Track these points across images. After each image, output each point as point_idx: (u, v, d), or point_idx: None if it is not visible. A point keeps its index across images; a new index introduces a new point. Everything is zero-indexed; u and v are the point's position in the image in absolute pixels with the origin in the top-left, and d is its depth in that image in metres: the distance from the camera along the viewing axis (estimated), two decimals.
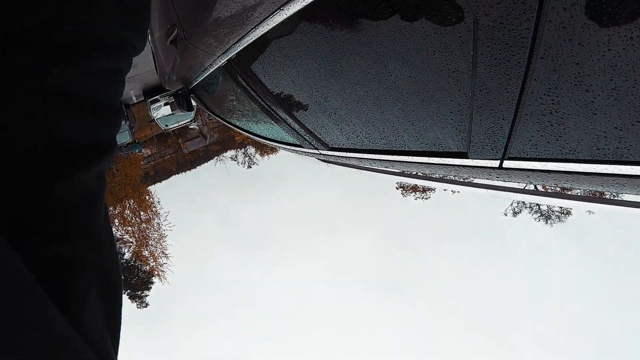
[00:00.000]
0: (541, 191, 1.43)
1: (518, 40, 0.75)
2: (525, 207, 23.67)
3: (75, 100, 0.47)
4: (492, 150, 1.09)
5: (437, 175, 1.84)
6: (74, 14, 0.48)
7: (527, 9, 0.69)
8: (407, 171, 1.94)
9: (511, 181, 1.26)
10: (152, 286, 30.64)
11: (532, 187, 1.43)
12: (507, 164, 1.11)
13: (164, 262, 28.38)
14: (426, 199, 30.21)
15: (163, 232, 28.42)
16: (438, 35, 0.88)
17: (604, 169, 0.88)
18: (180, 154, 40.45)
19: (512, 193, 1.47)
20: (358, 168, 2.41)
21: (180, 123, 18.62)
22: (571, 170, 0.95)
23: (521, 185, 1.36)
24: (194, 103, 3.85)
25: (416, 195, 30.08)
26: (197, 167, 43.63)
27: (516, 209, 24.86)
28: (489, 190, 1.54)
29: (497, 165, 1.15)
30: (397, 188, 29.27)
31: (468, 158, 1.22)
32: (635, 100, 0.70)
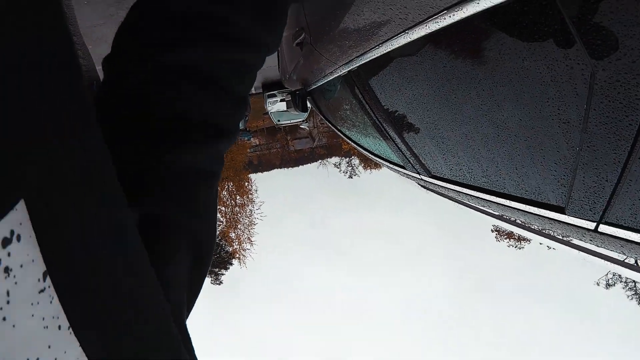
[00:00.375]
0: (637, 266, 1.34)
1: (633, 101, 0.72)
2: (621, 281, 22.19)
3: (200, 81, 0.54)
4: (591, 211, 1.04)
5: (534, 226, 1.78)
6: (218, 6, 0.54)
7: None
8: (505, 215, 1.89)
9: (604, 247, 1.19)
10: (230, 267, 32.11)
11: (632, 260, 1.34)
12: (603, 228, 1.06)
13: (247, 247, 29.57)
14: (520, 248, 29.07)
15: (254, 219, 29.54)
16: (554, 83, 0.87)
17: None
18: (286, 150, 41.74)
19: (606, 262, 1.39)
20: (455, 201, 2.38)
21: (292, 121, 19.01)
22: None
23: (620, 257, 1.29)
24: (309, 105, 3.96)
25: (510, 243, 29.03)
26: (300, 166, 44.83)
27: (610, 281, 23.33)
28: (581, 252, 1.47)
29: (593, 228, 1.09)
30: (492, 231, 28.41)
31: (565, 214, 1.18)
32: None
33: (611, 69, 0.72)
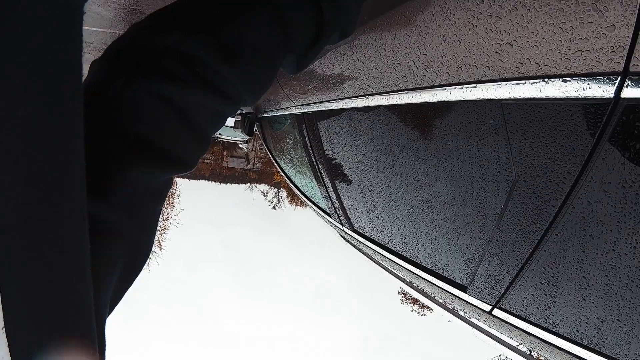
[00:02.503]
0: (524, 352, 1.48)
1: (542, 212, 0.85)
2: None
3: (182, 118, 0.60)
4: (489, 295, 1.17)
5: (438, 299, 1.90)
6: (228, 63, 0.62)
7: (559, 190, 0.80)
8: (412, 283, 2.00)
9: (495, 329, 1.32)
10: None
11: (524, 349, 1.48)
12: (496, 312, 1.18)
13: (155, 251, 28.26)
14: (422, 315, 29.69)
15: (169, 224, 28.70)
16: (481, 181, 0.99)
17: (577, 350, 0.95)
18: (219, 165, 40.74)
19: (497, 343, 1.52)
20: (370, 258, 2.48)
21: (232, 138, 18.88)
22: (549, 340, 1.01)
23: (514, 343, 1.41)
24: (255, 130, 4.00)
25: (414, 308, 29.58)
26: (228, 184, 43.89)
27: None
28: (476, 330, 1.59)
29: (488, 310, 1.22)
30: (399, 292, 28.92)
31: (466, 293, 1.30)
32: (620, 301, 0.78)
33: (531, 182, 0.85)
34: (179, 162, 0.62)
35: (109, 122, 0.55)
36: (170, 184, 0.66)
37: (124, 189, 0.55)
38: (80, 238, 0.41)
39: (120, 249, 0.56)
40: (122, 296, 0.62)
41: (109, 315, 0.58)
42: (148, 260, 0.66)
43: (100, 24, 2.38)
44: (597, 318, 0.85)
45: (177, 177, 0.69)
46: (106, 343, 0.54)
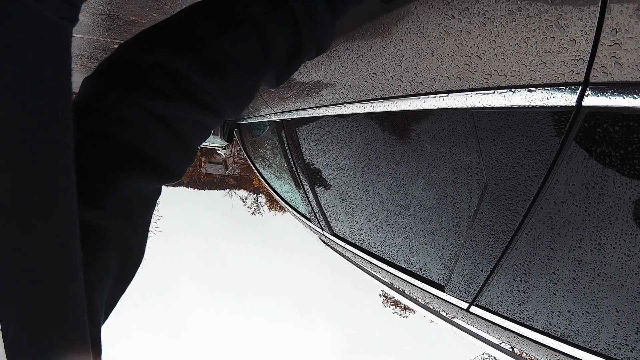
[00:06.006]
0: (506, 349, 1.52)
1: (512, 213, 0.90)
2: None
3: (170, 130, 0.64)
4: (465, 293, 1.22)
5: (419, 299, 1.94)
6: (212, 79, 0.66)
7: (527, 192, 0.85)
8: (393, 284, 2.04)
9: (473, 326, 1.37)
10: None
11: (507, 346, 1.52)
12: (473, 309, 1.23)
13: None
14: (404, 317, 29.79)
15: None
16: (455, 184, 1.04)
17: (551, 343, 1.00)
18: (197, 171, 40.33)
19: (477, 340, 1.57)
20: (350, 262, 2.50)
21: (210, 144, 18.64)
22: (525, 334, 1.07)
23: (495, 340, 1.46)
24: (234, 136, 3.99)
25: (395, 310, 29.66)
26: (206, 190, 43.58)
27: None
28: (456, 329, 1.64)
29: (466, 308, 1.27)
30: (380, 295, 28.96)
31: (443, 292, 1.35)
32: (588, 294, 0.83)
33: (501, 185, 0.90)
34: (168, 172, 0.66)
35: (103, 135, 0.58)
36: (159, 192, 0.69)
37: (117, 197, 0.58)
38: (72, 246, 0.42)
39: (114, 255, 0.58)
40: (116, 302, 0.65)
41: (104, 322, 0.60)
42: (140, 266, 0.69)
43: (78, 30, 2.39)
44: (568, 311, 0.90)
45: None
46: (102, 350, 0.55)
